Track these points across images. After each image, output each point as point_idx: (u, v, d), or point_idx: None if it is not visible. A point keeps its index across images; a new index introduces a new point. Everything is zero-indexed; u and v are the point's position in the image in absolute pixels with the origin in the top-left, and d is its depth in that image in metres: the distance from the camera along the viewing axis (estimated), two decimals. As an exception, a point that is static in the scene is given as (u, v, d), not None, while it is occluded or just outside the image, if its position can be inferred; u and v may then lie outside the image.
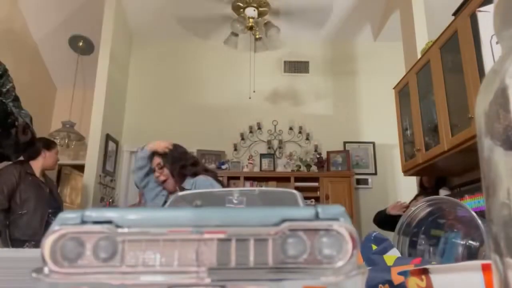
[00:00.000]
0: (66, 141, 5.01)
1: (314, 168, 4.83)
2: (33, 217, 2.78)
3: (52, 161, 3.11)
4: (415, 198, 3.10)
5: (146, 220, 0.26)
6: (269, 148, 5.03)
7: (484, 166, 0.23)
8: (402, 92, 3.41)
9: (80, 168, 4.78)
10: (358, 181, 4.87)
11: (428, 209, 0.81)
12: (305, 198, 0.66)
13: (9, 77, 1.41)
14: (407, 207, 2.80)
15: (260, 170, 4.86)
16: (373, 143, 5.04)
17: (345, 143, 5.04)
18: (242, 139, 5.02)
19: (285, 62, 5.36)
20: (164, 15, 4.90)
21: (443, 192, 3.08)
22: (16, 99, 1.41)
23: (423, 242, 0.82)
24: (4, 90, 1.37)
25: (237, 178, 4.69)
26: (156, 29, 5.20)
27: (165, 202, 2.12)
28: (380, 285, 0.58)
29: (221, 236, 0.25)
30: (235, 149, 4.96)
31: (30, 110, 1.47)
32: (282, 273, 0.25)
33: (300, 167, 4.81)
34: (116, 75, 4.77)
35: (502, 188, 0.22)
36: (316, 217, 0.26)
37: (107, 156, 4.49)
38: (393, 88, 3.57)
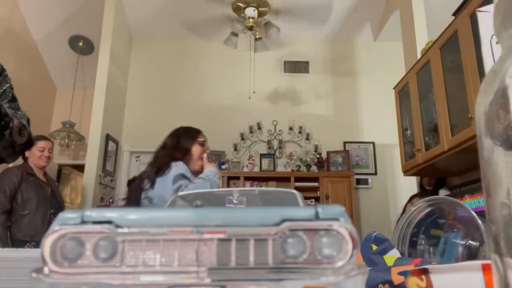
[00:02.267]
0: (66, 141, 5.01)
1: (314, 168, 4.82)
2: (35, 218, 2.78)
3: (34, 158, 2.95)
4: (410, 200, 3.08)
5: (146, 220, 0.26)
6: (269, 148, 5.02)
7: (484, 166, 0.23)
8: (402, 92, 3.41)
9: (80, 168, 4.78)
10: (358, 181, 4.87)
11: (428, 209, 0.81)
12: (305, 198, 0.66)
13: (6, 77, 1.37)
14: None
15: (260, 170, 4.86)
16: (373, 143, 5.04)
17: (345, 143, 5.04)
18: (242, 139, 5.02)
19: (285, 62, 5.35)
20: (164, 15, 4.90)
21: (443, 192, 3.08)
22: (13, 99, 1.37)
23: (423, 242, 0.81)
24: (0, 91, 1.34)
25: (237, 178, 4.69)
26: (156, 29, 5.20)
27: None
28: (380, 285, 0.58)
29: (221, 236, 0.25)
30: (235, 149, 4.96)
31: (30, 110, 1.45)
32: (282, 273, 0.25)
33: (300, 167, 4.81)
34: (116, 75, 4.77)
35: (502, 188, 0.22)
36: (316, 217, 0.26)
37: (107, 156, 4.50)
38: (393, 88, 3.57)
